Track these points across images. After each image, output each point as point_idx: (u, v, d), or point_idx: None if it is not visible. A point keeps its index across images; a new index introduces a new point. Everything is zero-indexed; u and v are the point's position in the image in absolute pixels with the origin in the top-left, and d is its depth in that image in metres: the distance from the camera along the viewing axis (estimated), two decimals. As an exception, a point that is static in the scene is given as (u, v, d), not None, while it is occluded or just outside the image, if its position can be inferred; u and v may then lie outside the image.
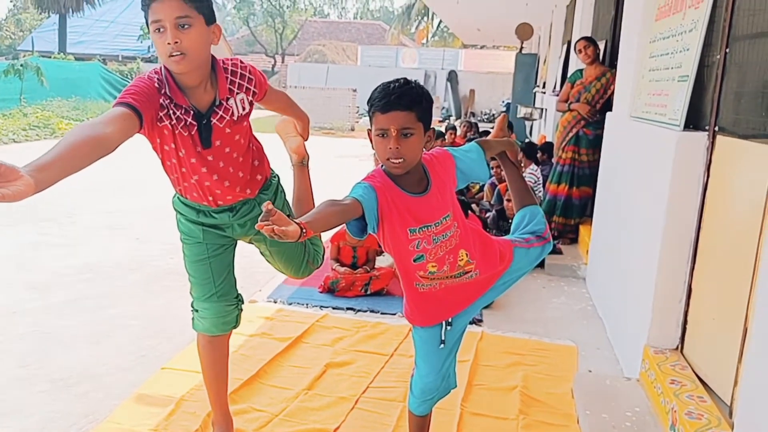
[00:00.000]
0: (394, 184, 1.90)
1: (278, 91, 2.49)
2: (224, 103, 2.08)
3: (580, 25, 7.53)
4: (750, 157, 2.50)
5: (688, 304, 2.96)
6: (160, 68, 2.02)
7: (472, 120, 14.31)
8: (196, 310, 2.37)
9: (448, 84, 25.66)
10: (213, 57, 2.06)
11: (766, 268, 1.80)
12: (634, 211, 3.59)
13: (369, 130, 1.93)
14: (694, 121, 3.04)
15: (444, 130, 8.99)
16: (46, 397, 2.93)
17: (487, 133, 8.56)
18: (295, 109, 2.59)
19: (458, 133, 9.93)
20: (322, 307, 4.12)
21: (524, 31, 12.32)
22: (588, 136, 5.61)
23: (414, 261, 1.96)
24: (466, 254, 2.03)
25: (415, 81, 1.94)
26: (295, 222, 1.48)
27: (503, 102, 21.01)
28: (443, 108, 25.26)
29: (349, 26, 44.14)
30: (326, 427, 2.70)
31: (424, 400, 2.26)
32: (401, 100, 1.83)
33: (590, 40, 5.72)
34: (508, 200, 5.47)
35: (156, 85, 1.98)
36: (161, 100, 1.98)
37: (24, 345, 3.47)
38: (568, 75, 6.28)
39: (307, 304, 4.15)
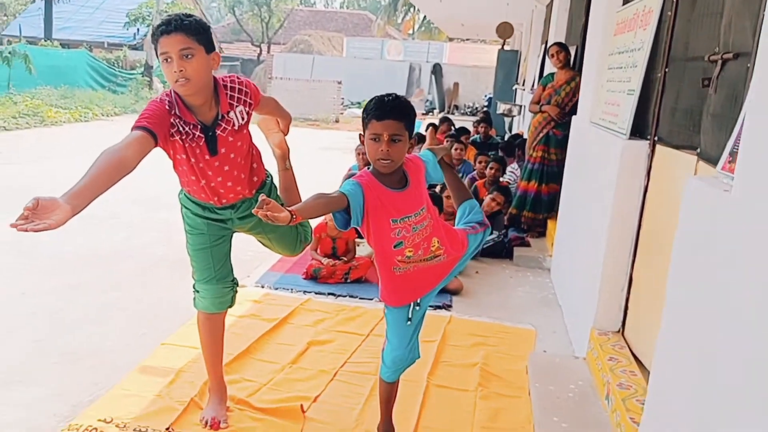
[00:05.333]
0: (379, 182, 2.29)
1: (268, 97, 2.85)
2: (226, 116, 2.46)
3: (555, 28, 7.91)
4: (680, 165, 2.89)
5: (629, 292, 3.37)
6: (170, 91, 2.39)
7: (450, 116, 14.57)
8: (197, 291, 2.74)
9: (433, 77, 25.99)
10: (214, 78, 2.43)
11: (675, 258, 2.19)
12: (587, 208, 3.99)
13: (361, 135, 2.33)
14: (640, 130, 3.43)
15: (425, 129, 9.34)
16: (58, 369, 3.27)
17: (464, 129, 8.94)
18: (280, 110, 2.96)
19: (439, 129, 10.29)
20: (305, 292, 4.50)
21: (504, 30, 12.70)
22: (557, 136, 6.01)
23: (394, 247, 2.34)
24: (438, 241, 2.42)
25: (404, 97, 2.34)
26: (287, 209, 1.87)
27: (485, 96, 21.40)
28: (427, 101, 25.59)
29: (335, 15, 44.22)
30: (308, 395, 3.08)
31: (396, 369, 2.64)
32: (394, 111, 2.23)
33: (562, 46, 6.10)
34: (492, 198, 5.87)
35: (167, 107, 2.35)
36: (172, 119, 2.35)
37: (34, 323, 3.81)
38: (542, 77, 6.66)
39: (291, 289, 4.52)
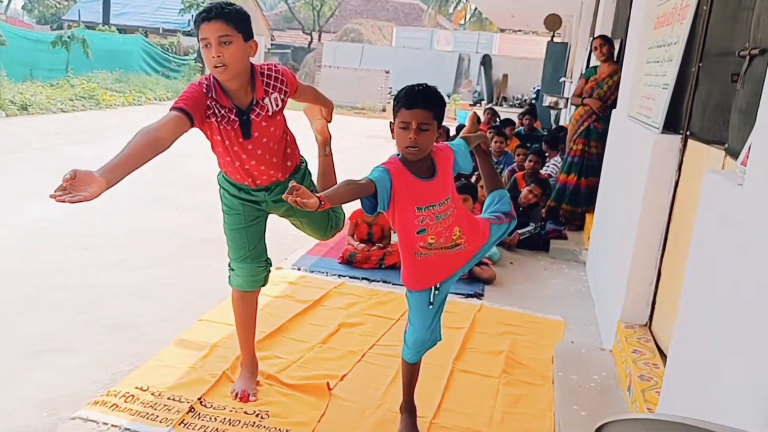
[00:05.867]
0: (407, 169, 2.36)
1: (306, 85, 2.95)
2: (261, 102, 2.56)
3: (601, 21, 7.82)
4: (710, 159, 2.89)
5: (657, 286, 3.37)
6: (210, 75, 2.50)
7: (496, 108, 14.50)
8: (232, 269, 2.87)
9: (482, 68, 25.83)
10: (251, 64, 2.54)
11: (692, 249, 2.21)
12: (620, 202, 3.99)
13: (391, 123, 2.39)
14: (674, 125, 3.42)
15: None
16: (101, 339, 3.46)
17: (508, 120, 8.92)
18: (321, 99, 3.06)
19: (482, 120, 10.29)
20: (340, 275, 4.61)
21: (552, 22, 12.56)
22: (598, 129, 5.98)
23: (417, 233, 2.42)
24: (459, 230, 2.49)
25: (434, 87, 2.40)
26: (316, 196, 1.96)
27: (534, 88, 21.17)
28: (475, 92, 25.47)
29: (386, 4, 44.19)
30: (336, 373, 3.19)
31: (417, 350, 2.71)
32: (423, 100, 2.30)
33: (606, 39, 6.06)
34: (530, 190, 5.86)
35: (204, 90, 2.47)
36: (208, 102, 2.47)
37: (81, 296, 4.01)
38: (583, 71, 6.62)
39: (327, 273, 4.63)
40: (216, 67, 2.39)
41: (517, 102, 23.70)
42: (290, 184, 1.89)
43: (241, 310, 2.93)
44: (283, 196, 1.91)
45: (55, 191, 1.77)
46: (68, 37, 17.05)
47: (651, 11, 4.24)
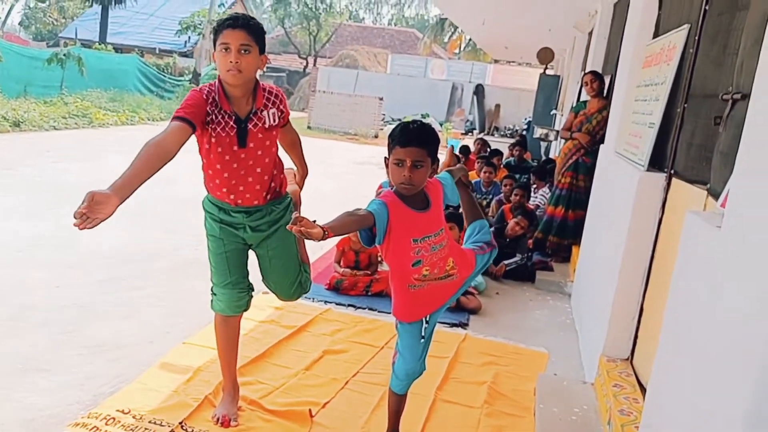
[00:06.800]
0: (402, 202, 2.42)
1: (294, 129, 3.03)
2: (259, 113, 2.67)
3: (593, 56, 7.94)
4: (693, 199, 2.94)
5: (639, 321, 3.41)
6: (214, 83, 2.62)
7: (487, 137, 14.63)
8: (215, 294, 2.90)
9: (474, 97, 26.07)
10: (256, 79, 2.67)
11: (672, 288, 2.25)
12: (606, 236, 4.04)
13: (386, 158, 2.45)
14: (659, 163, 3.48)
15: (459, 153, 9.45)
16: (83, 360, 3.45)
17: (497, 151, 9.00)
18: (299, 154, 3.12)
19: (472, 150, 10.38)
20: (326, 302, 4.62)
21: (545, 56, 12.75)
22: (586, 163, 6.05)
23: (413, 265, 2.46)
24: (453, 261, 2.55)
25: (428, 124, 2.48)
26: (319, 226, 2.01)
27: (525, 120, 21.38)
28: (468, 121, 25.68)
29: (382, 32, 44.68)
30: (318, 401, 3.19)
31: (408, 382, 2.75)
32: (417, 138, 2.37)
33: (596, 75, 6.16)
34: (516, 222, 5.92)
35: (204, 96, 2.59)
36: (208, 108, 2.58)
37: (65, 315, 4.01)
38: (573, 105, 6.72)
39: (313, 299, 4.64)
40: (230, 70, 2.53)
41: (509, 132, 23.83)
42: (293, 215, 1.96)
43: (223, 335, 2.95)
44: (287, 227, 1.95)
45: (75, 217, 1.87)
46: (64, 54, 17.15)
47: (640, 50, 4.33)
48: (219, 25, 2.59)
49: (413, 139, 2.36)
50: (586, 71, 6.46)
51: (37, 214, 6.38)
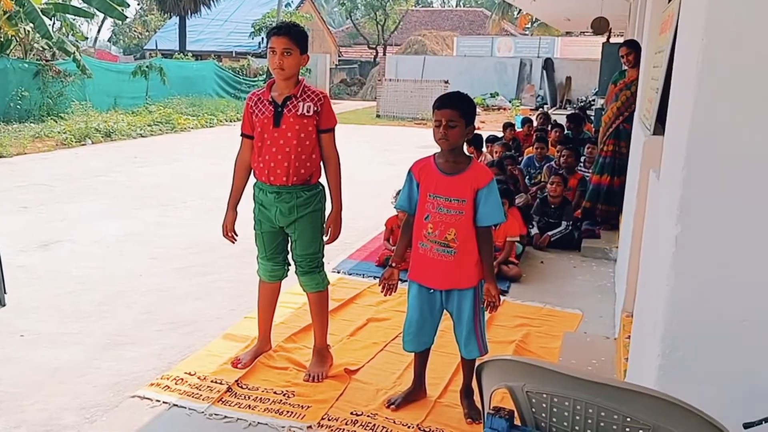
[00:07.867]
0: (434, 163, 2.93)
1: (333, 146, 3.35)
2: (293, 99, 3.21)
3: (644, 24, 7.95)
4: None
5: (653, 276, 3.63)
6: (269, 82, 3.35)
7: (560, 111, 14.60)
8: (258, 262, 3.51)
9: (544, 72, 25.78)
10: (302, 79, 3.29)
11: (645, 233, 2.52)
12: (629, 199, 4.24)
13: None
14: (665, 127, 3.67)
15: (521, 124, 9.69)
16: (161, 335, 4.01)
17: (562, 127, 9.14)
18: (334, 179, 3.37)
19: (534, 123, 10.54)
20: (375, 277, 5.02)
21: (600, 25, 12.64)
22: (627, 129, 6.16)
23: (424, 219, 2.92)
24: (454, 233, 2.88)
25: (465, 93, 2.96)
26: (392, 268, 2.94)
27: (594, 89, 21.02)
28: (538, 96, 25.43)
29: (450, 14, 44.59)
30: (359, 361, 3.61)
31: (408, 339, 3.10)
32: (451, 101, 2.86)
33: (631, 47, 6.25)
34: (551, 183, 6.15)
35: (250, 103, 3.33)
36: (252, 109, 3.29)
37: (147, 299, 4.61)
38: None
39: (363, 275, 5.07)
40: (275, 69, 3.16)
41: (581, 104, 23.49)
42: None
43: (263, 295, 3.59)
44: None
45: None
46: (146, 66, 18.28)
47: (656, 17, 4.48)
48: (269, 32, 3.21)
49: (446, 102, 2.85)
50: (622, 44, 6.55)
51: (125, 214, 7.13)
